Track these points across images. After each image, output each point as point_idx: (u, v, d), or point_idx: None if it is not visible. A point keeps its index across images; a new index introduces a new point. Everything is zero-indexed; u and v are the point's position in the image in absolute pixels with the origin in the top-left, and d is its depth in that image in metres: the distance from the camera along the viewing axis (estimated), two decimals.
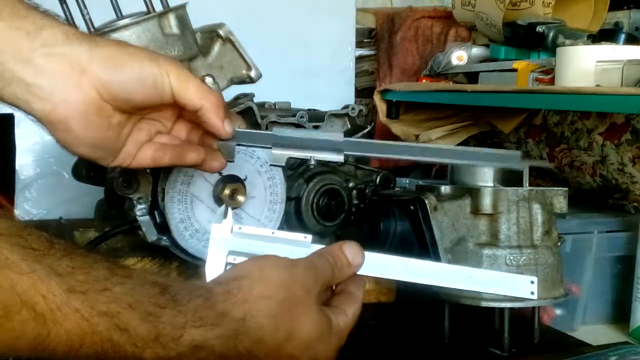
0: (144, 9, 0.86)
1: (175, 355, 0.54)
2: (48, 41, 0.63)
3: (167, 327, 0.54)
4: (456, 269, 0.69)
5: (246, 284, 0.59)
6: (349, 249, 0.68)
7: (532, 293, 0.67)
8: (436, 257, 0.87)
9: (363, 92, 1.80)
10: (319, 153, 0.74)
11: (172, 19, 0.86)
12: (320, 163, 1.02)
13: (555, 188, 0.93)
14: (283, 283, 0.60)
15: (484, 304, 0.87)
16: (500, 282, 0.68)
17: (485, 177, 0.91)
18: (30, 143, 1.36)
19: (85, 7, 0.84)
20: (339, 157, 0.74)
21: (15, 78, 0.62)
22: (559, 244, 0.91)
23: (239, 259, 0.66)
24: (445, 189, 0.91)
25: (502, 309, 0.88)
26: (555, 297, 0.90)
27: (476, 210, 0.88)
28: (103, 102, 0.66)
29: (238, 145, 0.74)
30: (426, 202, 0.87)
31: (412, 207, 0.88)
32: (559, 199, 0.92)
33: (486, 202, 0.88)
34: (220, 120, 0.70)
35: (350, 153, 0.74)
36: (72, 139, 0.67)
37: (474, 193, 0.89)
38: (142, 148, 0.72)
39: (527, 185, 0.92)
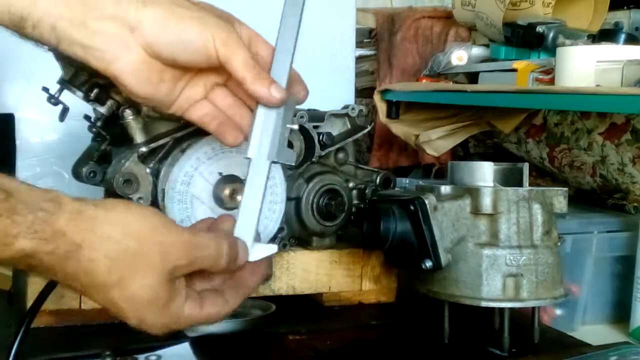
0: None
1: (6, 257, 0.56)
2: (98, 4, 0.67)
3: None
4: None
5: (101, 216, 0.60)
6: (242, 247, 0.69)
7: None
8: (436, 257, 0.87)
9: (363, 92, 1.80)
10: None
11: None
12: (321, 163, 1.02)
13: (555, 188, 0.93)
14: (139, 237, 0.61)
15: (484, 304, 0.87)
16: None
17: (485, 177, 0.91)
18: (30, 143, 1.36)
19: None
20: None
21: (73, 41, 0.67)
22: (559, 244, 0.92)
23: None
24: (445, 189, 0.91)
25: (502, 309, 0.88)
26: (555, 297, 0.90)
27: (476, 210, 0.88)
28: (152, 60, 0.69)
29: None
30: (426, 202, 0.87)
31: (412, 207, 0.88)
32: (559, 199, 0.92)
33: (486, 202, 0.88)
34: (265, 88, 0.70)
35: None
36: (128, 91, 0.71)
37: (474, 193, 0.89)
38: (195, 105, 0.75)
39: (527, 185, 0.92)
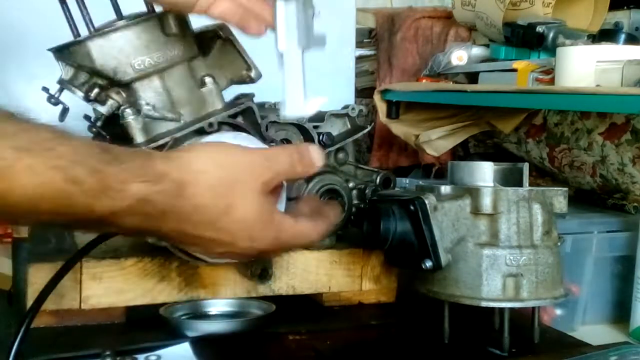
0: (144, 9, 0.86)
1: (126, 207, 0.58)
2: None
3: (113, 181, 0.57)
4: None
5: (188, 157, 0.64)
6: (315, 150, 0.72)
7: None
8: (436, 257, 0.87)
9: (363, 92, 1.80)
10: None
11: (172, 19, 0.85)
12: None
13: (555, 188, 0.93)
14: (227, 165, 0.65)
15: (484, 304, 0.87)
16: None
17: (485, 177, 0.91)
18: None
19: (85, 8, 0.84)
20: None
21: None
22: (559, 244, 0.92)
23: None
24: (445, 189, 0.91)
25: (502, 309, 0.88)
26: (555, 297, 0.90)
27: (476, 210, 0.88)
28: None
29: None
30: (426, 202, 0.87)
31: (412, 207, 0.88)
32: (559, 199, 0.92)
33: (486, 202, 0.88)
34: None
35: None
36: None
37: (474, 193, 0.89)
38: (215, 3, 0.78)
39: (527, 185, 0.92)
